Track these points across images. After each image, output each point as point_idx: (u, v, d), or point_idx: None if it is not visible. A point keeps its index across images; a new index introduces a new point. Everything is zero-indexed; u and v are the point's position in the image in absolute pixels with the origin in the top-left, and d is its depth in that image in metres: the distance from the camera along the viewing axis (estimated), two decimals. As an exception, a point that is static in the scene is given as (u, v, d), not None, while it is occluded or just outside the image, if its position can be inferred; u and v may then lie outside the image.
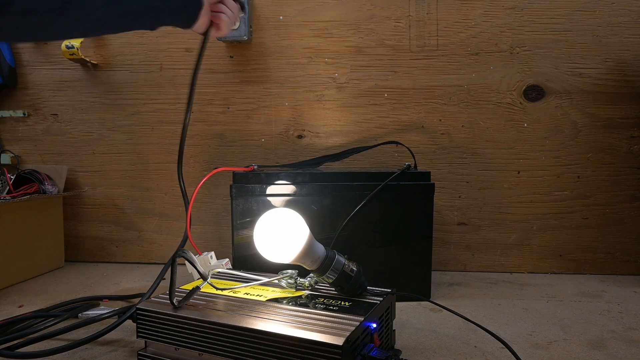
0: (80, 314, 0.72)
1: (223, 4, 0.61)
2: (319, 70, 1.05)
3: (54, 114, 1.12)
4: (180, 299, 0.54)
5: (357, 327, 0.48)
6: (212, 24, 0.62)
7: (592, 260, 1.02)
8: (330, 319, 0.50)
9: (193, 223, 1.09)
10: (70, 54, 1.03)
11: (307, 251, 0.55)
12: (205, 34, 0.63)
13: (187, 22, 0.59)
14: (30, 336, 0.63)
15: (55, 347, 0.58)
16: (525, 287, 0.92)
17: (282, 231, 0.55)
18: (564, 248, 1.03)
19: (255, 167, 0.88)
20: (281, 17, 1.05)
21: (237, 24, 1.00)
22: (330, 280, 0.57)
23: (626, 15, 0.98)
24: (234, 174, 0.84)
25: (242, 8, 0.65)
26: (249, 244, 0.81)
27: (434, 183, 0.81)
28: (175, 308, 0.54)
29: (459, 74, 1.02)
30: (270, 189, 0.82)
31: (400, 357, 0.56)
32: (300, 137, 1.07)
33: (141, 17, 0.53)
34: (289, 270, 0.62)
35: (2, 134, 1.14)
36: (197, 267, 0.58)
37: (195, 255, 0.64)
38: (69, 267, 1.09)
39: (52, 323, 0.68)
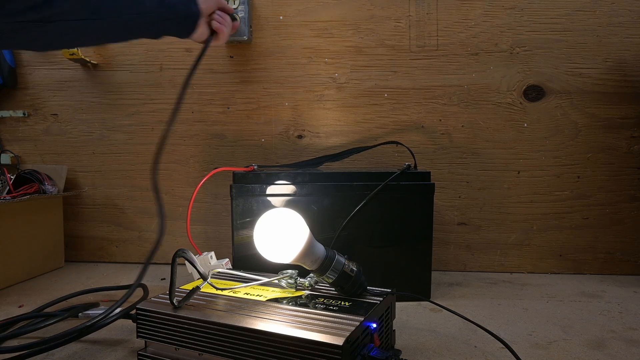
0: (80, 314, 0.73)
1: (219, 15, 0.63)
2: (319, 70, 1.05)
3: (54, 114, 1.12)
4: (180, 299, 0.54)
5: (357, 327, 0.48)
6: (212, 32, 0.63)
7: (592, 260, 1.02)
8: (330, 319, 0.50)
9: (193, 223, 1.09)
10: (70, 54, 1.03)
11: (307, 251, 0.55)
12: (206, 43, 0.64)
13: (186, 31, 0.60)
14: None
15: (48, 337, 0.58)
16: (525, 287, 0.93)
17: (282, 231, 0.55)
18: (564, 248, 1.03)
19: (255, 167, 0.88)
20: (281, 17, 1.05)
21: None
22: (330, 280, 0.57)
23: (626, 15, 0.98)
24: (234, 174, 0.84)
25: (233, 19, 0.66)
26: (249, 244, 0.81)
27: (434, 183, 0.81)
28: (175, 308, 0.54)
29: (459, 74, 1.02)
30: (270, 189, 0.82)
31: (400, 357, 0.56)
32: (300, 137, 1.07)
33: (138, 28, 0.55)
34: (289, 270, 0.62)
35: (2, 134, 1.14)
36: (197, 267, 0.58)
37: (195, 255, 0.64)
38: (69, 267, 1.09)
39: (52, 322, 0.68)
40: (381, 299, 0.56)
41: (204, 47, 0.64)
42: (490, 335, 0.62)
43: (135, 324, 0.56)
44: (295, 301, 0.56)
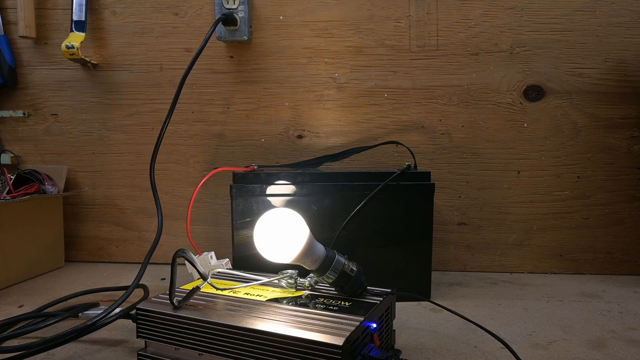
0: (80, 314, 0.73)
1: None
2: (319, 70, 1.05)
3: (54, 114, 1.12)
4: (180, 299, 0.54)
5: (357, 327, 0.48)
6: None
7: (592, 260, 1.02)
8: (330, 319, 0.50)
9: (193, 223, 1.09)
10: (70, 54, 1.03)
11: (307, 251, 0.55)
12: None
13: None
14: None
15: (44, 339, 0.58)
16: (525, 287, 0.93)
17: (282, 231, 0.55)
18: (564, 248, 1.03)
19: (255, 167, 0.88)
20: (281, 17, 1.05)
21: (238, 24, 1.00)
22: (330, 280, 0.57)
23: (626, 15, 0.98)
24: (234, 174, 0.84)
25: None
26: (249, 244, 0.81)
27: (434, 183, 0.81)
28: (175, 308, 0.54)
29: (459, 74, 1.02)
30: (270, 189, 0.82)
31: (400, 357, 0.56)
32: (300, 137, 1.07)
33: None
34: (289, 270, 0.62)
35: (2, 134, 1.14)
36: (197, 267, 0.58)
37: (195, 255, 0.64)
38: (69, 267, 1.09)
39: (52, 322, 0.68)
40: (381, 299, 0.56)
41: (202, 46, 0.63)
42: (490, 335, 0.62)
43: (135, 324, 0.56)
44: (295, 301, 0.56)
